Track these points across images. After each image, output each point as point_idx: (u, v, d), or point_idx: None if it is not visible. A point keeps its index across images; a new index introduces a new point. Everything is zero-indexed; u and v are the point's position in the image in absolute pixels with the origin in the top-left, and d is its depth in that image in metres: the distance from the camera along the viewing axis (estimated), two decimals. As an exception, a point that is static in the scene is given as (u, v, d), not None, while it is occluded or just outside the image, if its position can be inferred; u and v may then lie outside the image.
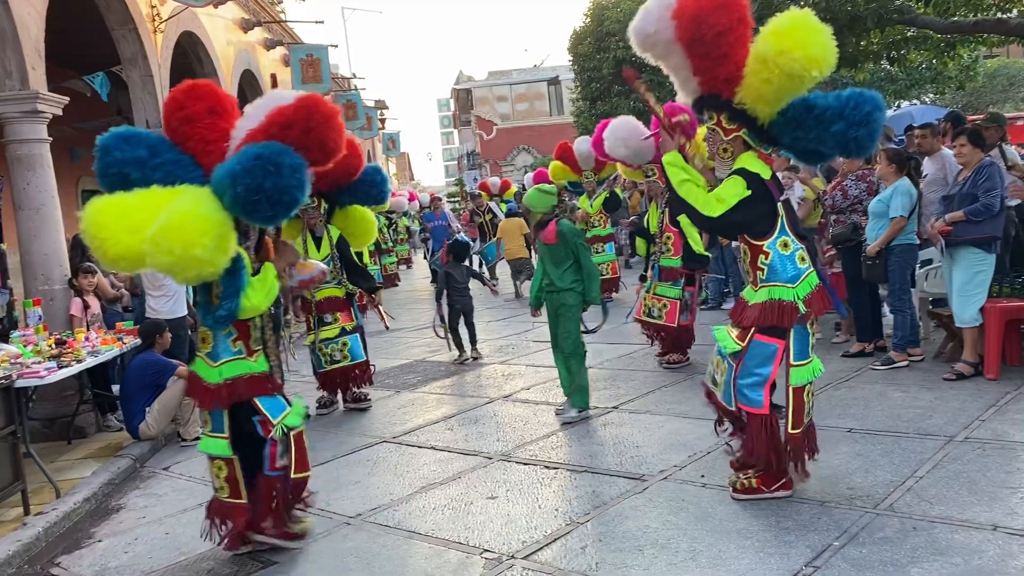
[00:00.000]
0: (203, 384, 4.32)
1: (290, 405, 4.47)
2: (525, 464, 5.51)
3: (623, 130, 8.09)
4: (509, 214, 15.28)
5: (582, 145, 12.11)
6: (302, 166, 3.97)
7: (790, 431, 4.39)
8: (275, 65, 16.88)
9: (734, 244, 9.95)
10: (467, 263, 9.51)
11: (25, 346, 6.32)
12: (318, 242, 7.33)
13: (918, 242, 6.97)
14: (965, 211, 6.29)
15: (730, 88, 4.23)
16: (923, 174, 7.48)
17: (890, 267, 6.89)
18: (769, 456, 4.38)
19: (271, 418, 4.32)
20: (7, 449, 5.42)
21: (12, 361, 5.89)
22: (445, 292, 9.06)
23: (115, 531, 5.21)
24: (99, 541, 5.06)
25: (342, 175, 6.75)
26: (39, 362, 5.96)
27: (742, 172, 4.33)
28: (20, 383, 5.62)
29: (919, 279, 7.48)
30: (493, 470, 5.47)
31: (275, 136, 4.03)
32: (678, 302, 7.78)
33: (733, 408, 4.46)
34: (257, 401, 4.33)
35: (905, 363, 6.87)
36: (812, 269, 4.39)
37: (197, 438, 5.58)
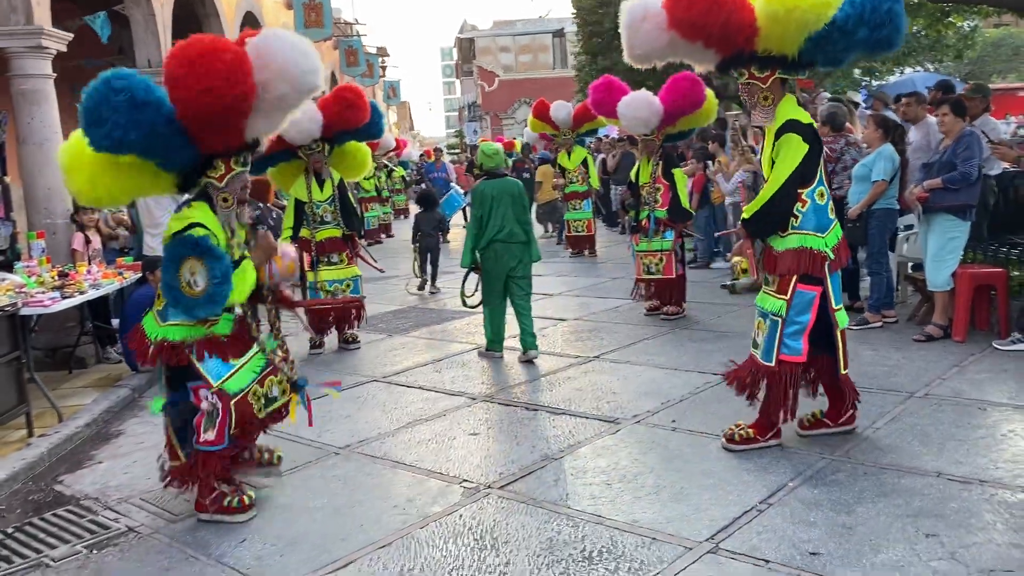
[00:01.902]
0: (144, 338, 4.22)
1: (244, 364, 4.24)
2: (507, 405, 5.78)
3: (643, 111, 8.01)
4: (542, 160, 15.73)
5: (559, 112, 12.51)
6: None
7: (843, 371, 4.60)
8: (277, 8, 16.83)
9: (729, 200, 10.12)
10: (437, 212, 11.02)
11: (29, 276, 6.53)
12: (321, 183, 7.55)
13: (898, 207, 7.17)
14: (943, 179, 6.49)
15: (749, 43, 4.31)
16: (909, 141, 7.66)
17: (869, 230, 7.10)
18: (783, 406, 4.52)
19: (211, 381, 4.13)
20: (12, 374, 5.67)
21: (17, 290, 6.11)
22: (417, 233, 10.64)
23: (114, 454, 5.48)
24: (99, 463, 5.33)
25: (352, 124, 7.01)
26: (43, 292, 6.17)
27: (794, 127, 4.41)
28: (25, 311, 5.84)
29: (899, 243, 7.70)
30: (476, 410, 5.74)
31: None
32: (672, 253, 8.01)
33: (773, 364, 4.50)
34: (197, 365, 4.15)
35: (879, 324, 7.12)
36: (837, 220, 4.58)
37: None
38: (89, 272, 7.00)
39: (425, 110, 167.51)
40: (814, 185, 4.45)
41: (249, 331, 4.37)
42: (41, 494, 4.86)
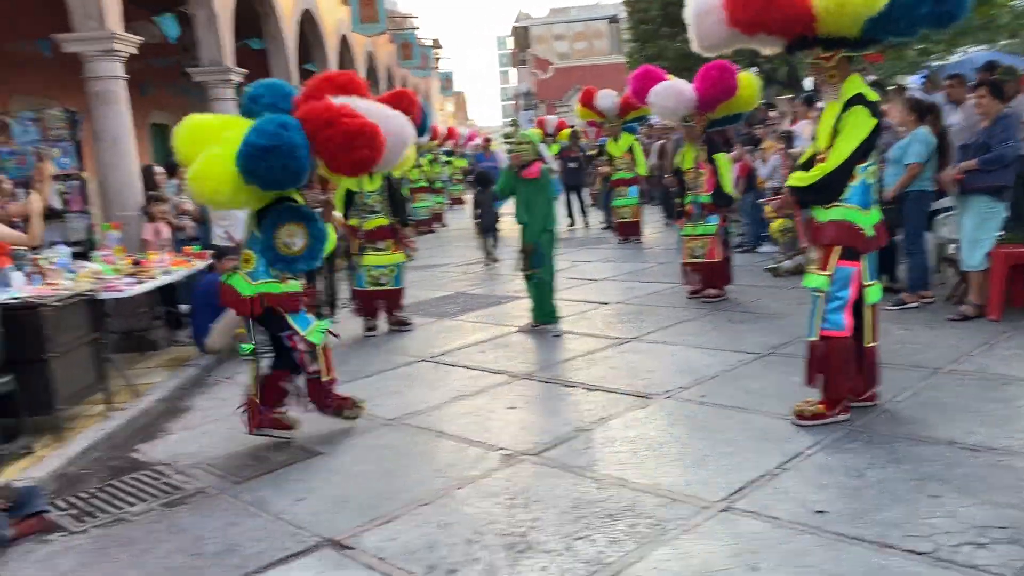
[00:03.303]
0: (237, 295, 5.07)
1: (317, 321, 5.28)
2: (545, 383, 6.11)
3: (671, 100, 8.20)
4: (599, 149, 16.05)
5: (605, 100, 12.67)
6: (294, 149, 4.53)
7: (868, 344, 4.76)
8: (333, 5, 17.33)
9: (770, 184, 10.21)
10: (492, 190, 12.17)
11: (106, 264, 7.07)
12: (371, 175, 7.93)
13: (933, 189, 7.26)
14: (979, 160, 6.58)
15: (810, 29, 4.39)
16: (952, 124, 7.72)
17: (905, 212, 7.21)
18: (843, 380, 4.66)
19: (299, 330, 5.09)
20: (92, 353, 6.19)
21: (95, 277, 6.65)
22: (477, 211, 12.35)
23: (185, 426, 5.97)
24: (171, 434, 5.82)
25: None
26: (118, 278, 6.70)
27: (862, 101, 4.51)
28: (104, 295, 6.36)
29: (937, 225, 7.77)
30: (516, 386, 6.07)
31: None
32: (716, 237, 8.22)
33: (816, 338, 4.68)
34: (287, 316, 5.08)
35: (916, 304, 7.23)
36: (878, 202, 4.75)
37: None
38: (160, 260, 7.52)
39: (481, 100, 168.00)
40: (867, 163, 4.60)
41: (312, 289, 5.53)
42: (119, 461, 5.35)
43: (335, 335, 5.57)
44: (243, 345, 5.30)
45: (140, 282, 6.74)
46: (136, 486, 4.84)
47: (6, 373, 5.29)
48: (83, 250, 8.36)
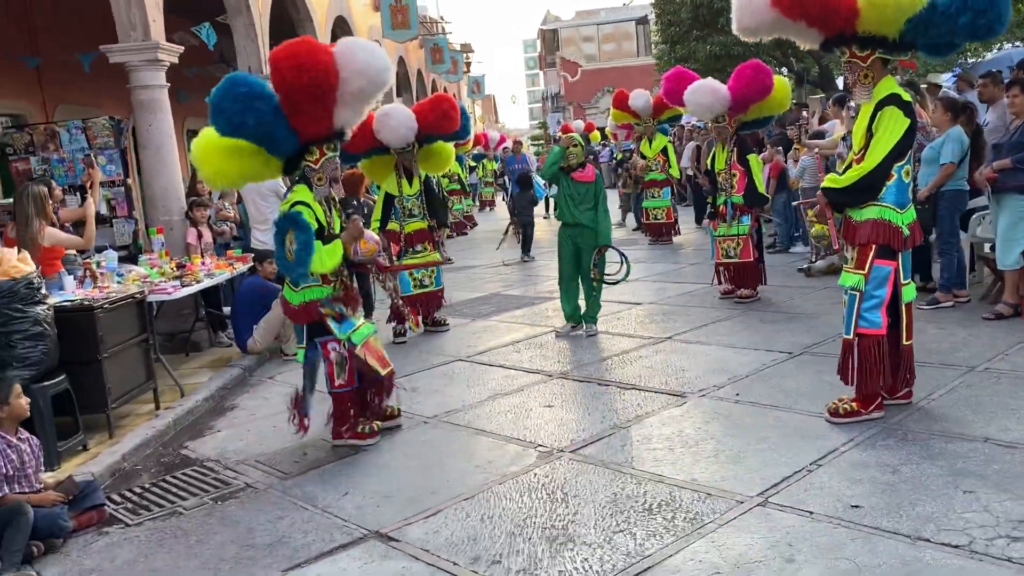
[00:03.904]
0: (289, 304, 5.29)
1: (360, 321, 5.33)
2: (581, 381, 6.21)
3: (707, 97, 8.29)
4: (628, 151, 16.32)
5: (638, 100, 12.70)
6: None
7: (905, 342, 4.80)
8: (366, 11, 17.57)
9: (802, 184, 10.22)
10: (531, 193, 13.27)
11: (152, 268, 7.29)
12: (410, 179, 8.10)
13: (968, 188, 7.26)
14: (1012, 159, 6.57)
15: (850, 23, 4.43)
16: (985, 123, 7.72)
17: (939, 212, 7.22)
18: (877, 377, 4.70)
19: (337, 334, 5.16)
20: (141, 354, 6.40)
21: (142, 280, 6.86)
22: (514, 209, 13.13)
23: (231, 424, 6.15)
24: (218, 431, 6.00)
25: (444, 132, 7.81)
26: (165, 281, 6.91)
27: (896, 101, 4.54)
28: (151, 298, 6.58)
29: (972, 224, 7.76)
30: (552, 385, 6.19)
31: None
32: (748, 237, 8.27)
33: (852, 336, 4.72)
34: (327, 321, 5.16)
35: (950, 303, 7.24)
36: (912, 201, 4.80)
37: (295, 353, 6.44)
38: (203, 263, 7.73)
39: (510, 102, 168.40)
40: (903, 162, 4.63)
41: (356, 292, 5.48)
42: (170, 457, 5.54)
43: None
44: (299, 351, 5.47)
45: (186, 285, 6.93)
46: (187, 481, 5.02)
47: (61, 373, 5.49)
48: (128, 254, 8.60)
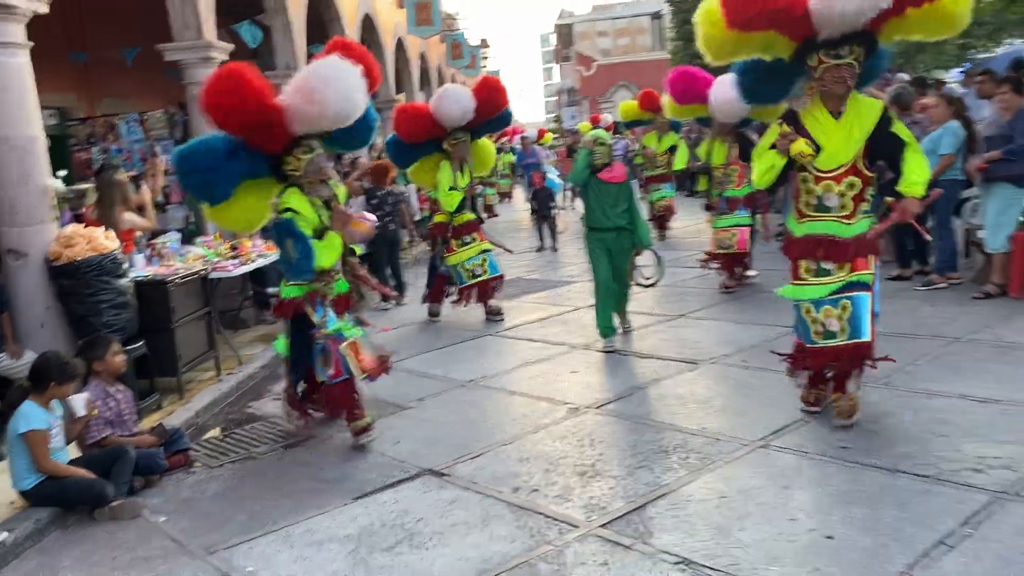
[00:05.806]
0: (279, 298, 5.35)
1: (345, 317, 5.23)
2: (603, 352, 6.84)
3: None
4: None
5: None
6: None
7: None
8: (391, 9, 18.20)
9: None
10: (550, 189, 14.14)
11: (208, 249, 7.96)
12: (464, 172, 8.45)
13: (963, 178, 7.83)
14: (1002, 151, 7.15)
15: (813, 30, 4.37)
16: (984, 118, 8.27)
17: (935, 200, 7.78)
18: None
19: (326, 329, 5.06)
20: (204, 325, 7.08)
21: (201, 259, 7.53)
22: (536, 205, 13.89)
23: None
24: (277, 395, 6.64)
25: (499, 106, 8.13)
26: (224, 260, 7.58)
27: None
28: (213, 275, 7.25)
29: (965, 211, 8.33)
30: (577, 355, 6.82)
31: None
32: (749, 228, 8.78)
33: (869, 338, 4.57)
34: (313, 315, 5.09)
35: (944, 285, 7.81)
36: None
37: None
38: (254, 245, 8.39)
39: (525, 96, 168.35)
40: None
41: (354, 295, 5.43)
42: (237, 415, 6.22)
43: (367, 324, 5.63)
44: (278, 340, 5.63)
45: (243, 264, 7.59)
46: (256, 433, 5.69)
47: (140, 339, 6.17)
48: (184, 237, 9.26)
